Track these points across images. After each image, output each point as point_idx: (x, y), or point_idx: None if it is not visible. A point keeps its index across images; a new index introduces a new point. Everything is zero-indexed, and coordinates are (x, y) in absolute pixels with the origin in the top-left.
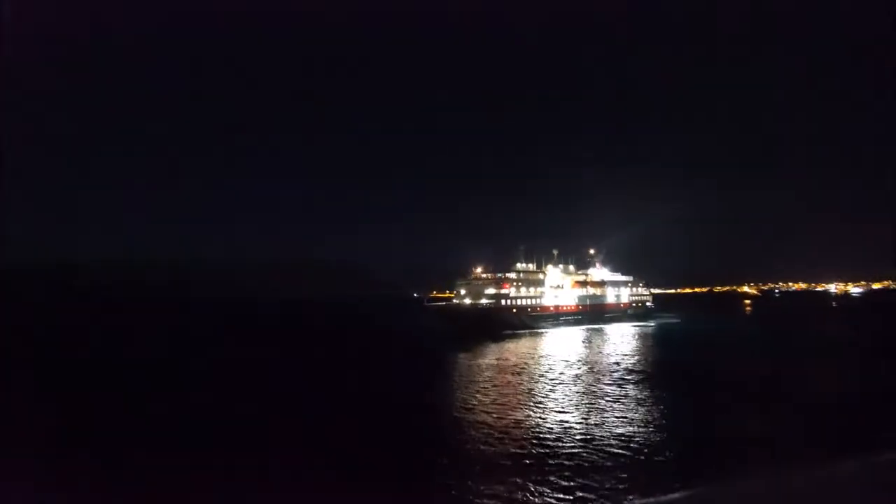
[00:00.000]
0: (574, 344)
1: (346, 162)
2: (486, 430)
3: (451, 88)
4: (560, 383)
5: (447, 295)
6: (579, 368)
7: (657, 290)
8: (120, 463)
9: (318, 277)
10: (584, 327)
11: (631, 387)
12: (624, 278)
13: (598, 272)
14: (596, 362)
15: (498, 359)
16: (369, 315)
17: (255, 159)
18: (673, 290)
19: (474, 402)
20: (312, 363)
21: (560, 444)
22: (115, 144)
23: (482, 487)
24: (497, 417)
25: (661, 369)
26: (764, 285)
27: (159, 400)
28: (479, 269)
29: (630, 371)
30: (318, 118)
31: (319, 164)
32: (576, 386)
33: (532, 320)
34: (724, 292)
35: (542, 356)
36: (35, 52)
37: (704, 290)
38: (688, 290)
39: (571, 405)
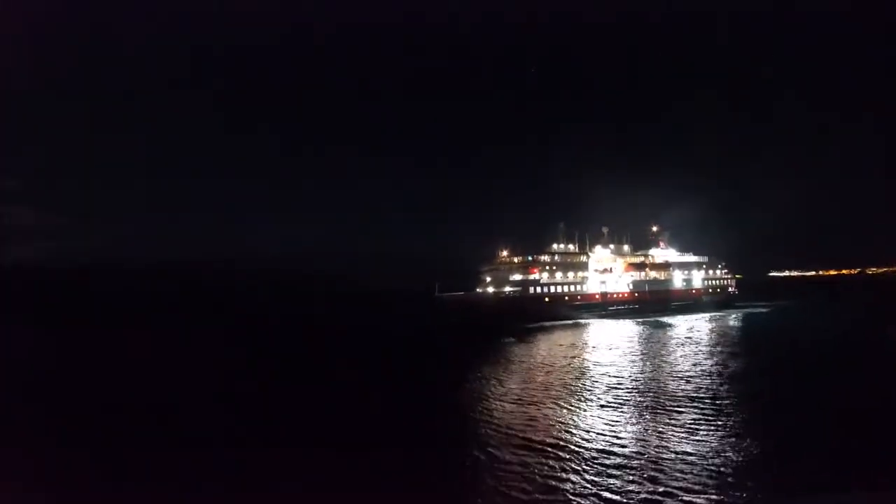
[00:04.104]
0: (616, 345)
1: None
2: None
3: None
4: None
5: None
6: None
7: (777, 273)
8: None
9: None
10: (638, 319)
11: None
12: (696, 259)
13: (662, 252)
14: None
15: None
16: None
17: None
18: (813, 273)
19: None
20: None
21: None
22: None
23: None
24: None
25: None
26: None
27: None
28: (504, 252)
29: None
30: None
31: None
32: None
33: (571, 311)
34: (879, 274)
35: (554, 369)
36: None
37: (854, 271)
38: (831, 272)
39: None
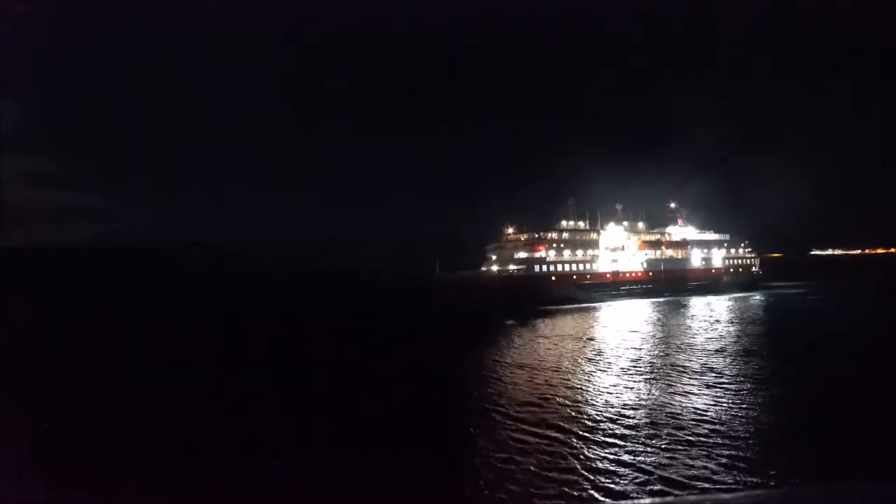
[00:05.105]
0: (626, 327)
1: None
2: None
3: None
4: None
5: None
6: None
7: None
8: None
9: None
10: (652, 300)
11: None
12: (716, 237)
13: (680, 230)
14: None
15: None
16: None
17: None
18: (859, 251)
19: None
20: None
21: None
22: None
23: None
24: None
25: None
26: None
27: None
28: (510, 230)
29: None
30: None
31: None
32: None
33: (580, 290)
34: None
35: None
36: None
37: None
38: (879, 251)
39: None
